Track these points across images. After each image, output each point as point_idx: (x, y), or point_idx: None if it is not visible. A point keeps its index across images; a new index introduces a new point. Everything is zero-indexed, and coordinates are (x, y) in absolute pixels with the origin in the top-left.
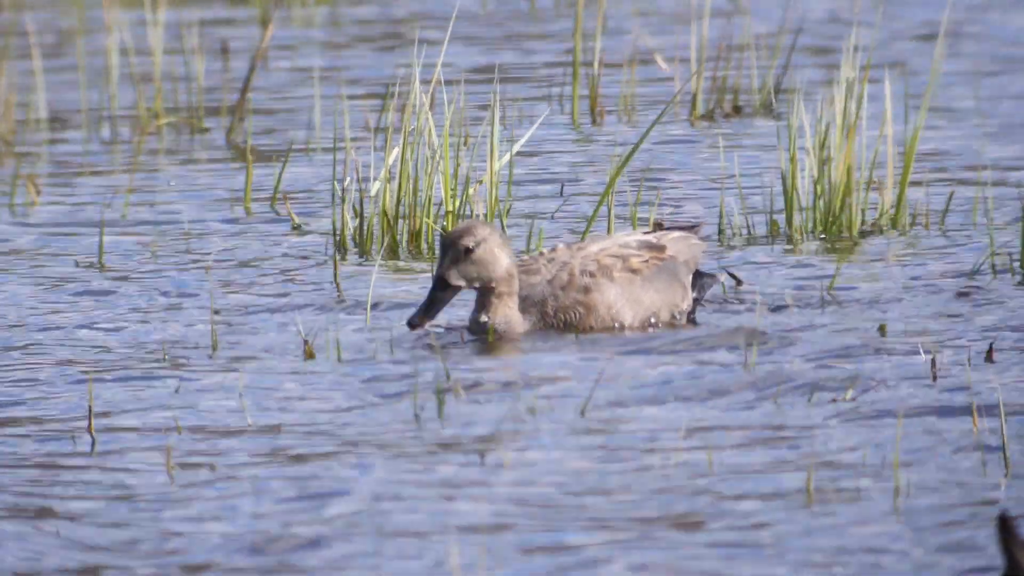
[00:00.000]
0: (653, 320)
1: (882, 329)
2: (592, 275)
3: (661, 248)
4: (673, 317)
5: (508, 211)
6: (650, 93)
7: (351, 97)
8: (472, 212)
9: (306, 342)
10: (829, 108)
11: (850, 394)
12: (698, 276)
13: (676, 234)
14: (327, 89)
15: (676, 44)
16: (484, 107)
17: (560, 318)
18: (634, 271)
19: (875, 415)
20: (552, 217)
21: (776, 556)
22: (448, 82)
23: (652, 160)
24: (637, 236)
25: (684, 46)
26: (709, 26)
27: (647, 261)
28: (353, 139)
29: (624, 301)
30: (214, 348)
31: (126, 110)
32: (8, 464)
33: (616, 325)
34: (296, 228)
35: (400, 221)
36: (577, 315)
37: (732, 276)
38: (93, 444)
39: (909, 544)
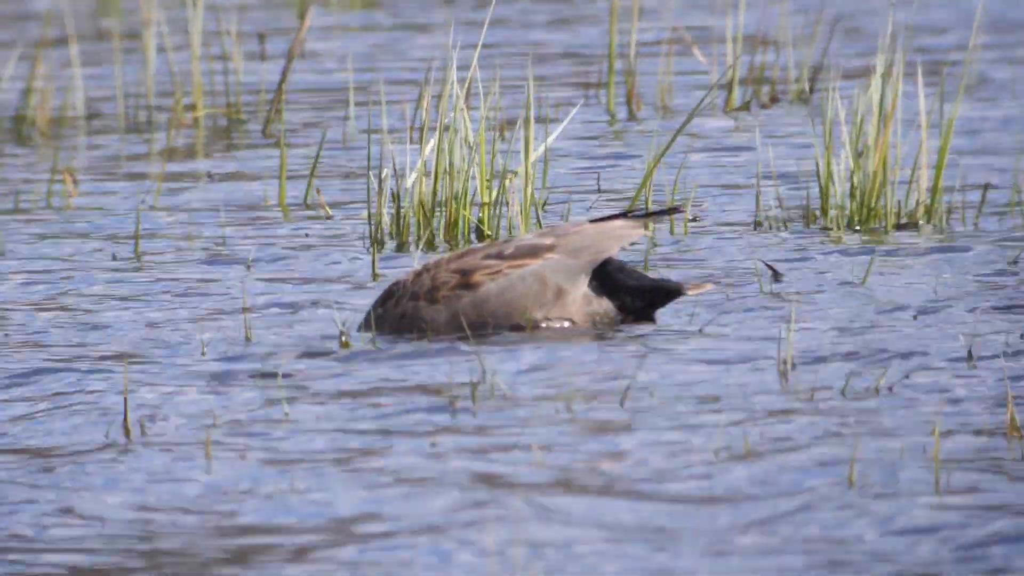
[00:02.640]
0: (504, 326)
1: (917, 318)
2: (416, 297)
3: (535, 251)
4: (537, 319)
5: (544, 204)
6: (686, 83)
7: (388, 83)
8: (508, 203)
9: (343, 333)
10: (865, 98)
11: (885, 382)
12: (622, 273)
13: (588, 226)
14: (364, 78)
15: (712, 34)
16: (519, 90)
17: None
18: (470, 285)
19: (912, 405)
20: (588, 209)
21: (814, 543)
22: (483, 66)
23: (688, 151)
24: (527, 238)
25: (721, 32)
26: (745, 15)
27: (494, 273)
28: (390, 130)
29: (439, 324)
30: (248, 340)
31: (163, 101)
32: (43, 455)
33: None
34: (330, 219)
35: (436, 212)
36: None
37: (771, 269)
38: (128, 435)
39: (949, 534)
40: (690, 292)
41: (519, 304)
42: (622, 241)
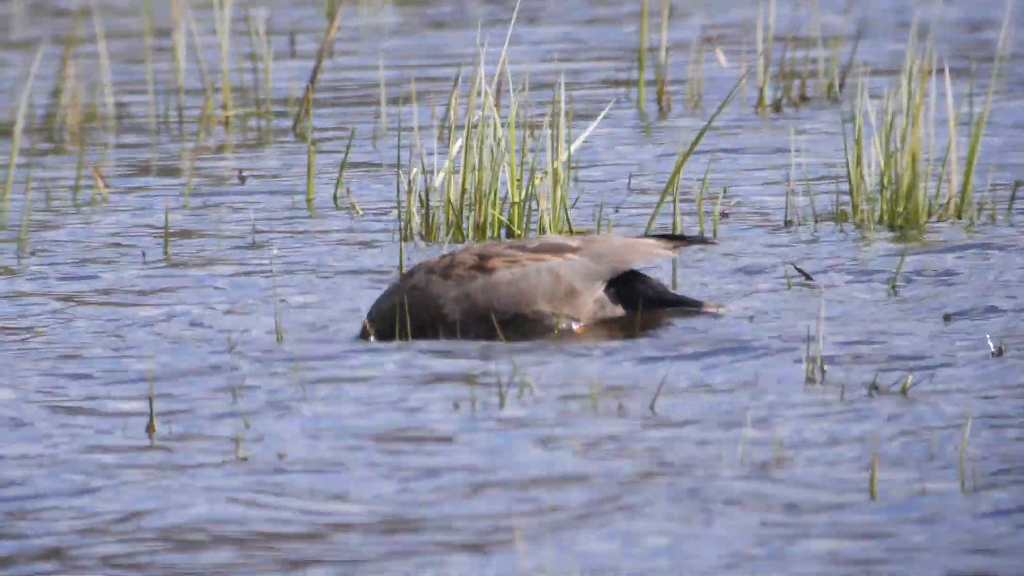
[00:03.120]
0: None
1: (947, 318)
2: (431, 271)
3: (558, 249)
4: (545, 313)
5: (576, 202)
6: (717, 81)
7: (419, 81)
8: (538, 203)
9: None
10: (895, 96)
11: (914, 381)
12: (644, 286)
13: (616, 238)
14: (394, 75)
15: (743, 32)
16: (549, 88)
17: (399, 312)
18: (485, 269)
19: (940, 405)
20: (618, 209)
21: (842, 542)
22: (513, 61)
23: (719, 150)
24: (556, 237)
25: (751, 28)
26: (776, 12)
27: (512, 262)
28: (420, 128)
29: (447, 299)
30: (279, 339)
31: (193, 100)
32: (70, 454)
33: (444, 320)
34: (360, 218)
35: (465, 211)
36: (416, 310)
37: (800, 272)
38: (152, 435)
39: (976, 534)
40: (708, 310)
41: (529, 295)
42: (647, 257)
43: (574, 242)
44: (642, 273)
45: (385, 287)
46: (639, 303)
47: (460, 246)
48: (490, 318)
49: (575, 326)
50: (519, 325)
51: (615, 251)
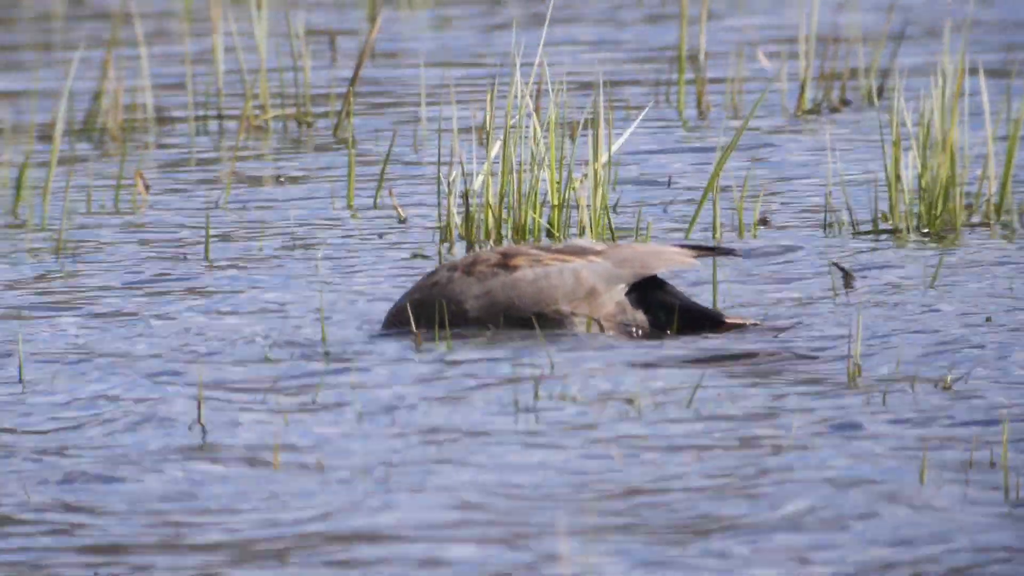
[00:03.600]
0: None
1: (988, 319)
2: (454, 268)
3: (582, 252)
4: (564, 312)
5: (616, 205)
6: (757, 84)
7: (460, 82)
8: (577, 205)
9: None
10: (931, 99)
11: (954, 384)
12: (663, 295)
13: (641, 244)
14: (435, 77)
15: (783, 35)
16: (588, 88)
17: (420, 308)
18: (508, 267)
19: (980, 406)
20: (665, 209)
21: (882, 542)
22: (552, 65)
23: (759, 154)
24: (582, 241)
25: (792, 33)
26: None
27: (537, 260)
28: (460, 130)
29: (468, 296)
30: (324, 340)
31: (233, 100)
32: (115, 458)
33: (463, 315)
34: (403, 221)
35: (505, 212)
36: (439, 306)
37: (842, 271)
38: (204, 434)
39: (1017, 536)
40: (728, 321)
41: (549, 294)
42: (671, 264)
43: (599, 246)
44: (666, 282)
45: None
46: (659, 311)
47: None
48: (510, 316)
49: (595, 327)
50: (539, 324)
51: (638, 256)
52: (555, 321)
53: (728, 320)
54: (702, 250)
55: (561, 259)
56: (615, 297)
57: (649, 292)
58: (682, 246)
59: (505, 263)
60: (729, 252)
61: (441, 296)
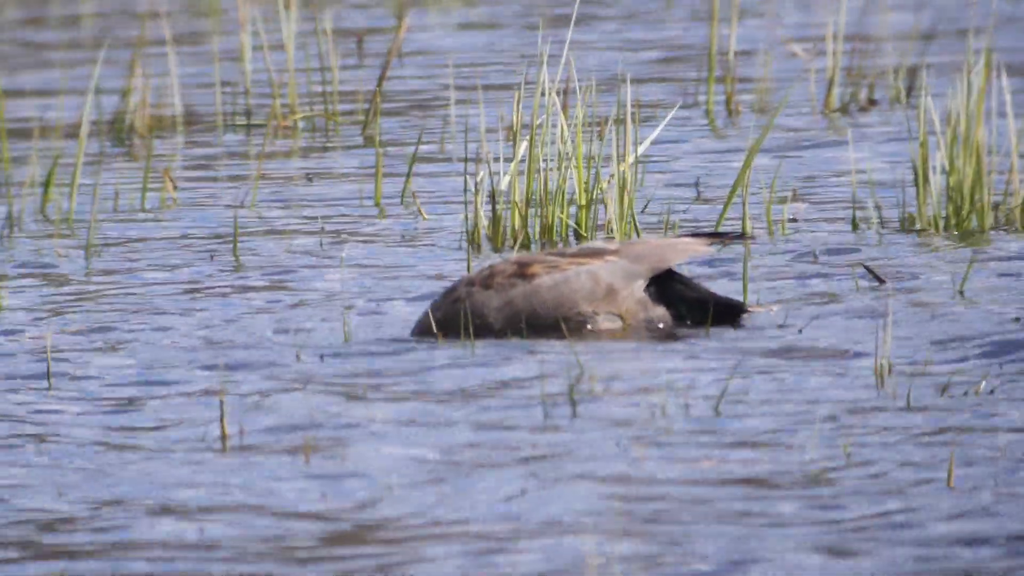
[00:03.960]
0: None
1: (1017, 320)
2: (472, 283)
3: (597, 253)
4: (586, 313)
5: (646, 207)
6: (786, 84)
7: (487, 82)
8: (605, 205)
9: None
10: (958, 98)
11: (984, 386)
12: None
13: (654, 239)
14: (463, 75)
15: (812, 34)
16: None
17: (443, 325)
18: (525, 276)
19: (1011, 408)
20: (687, 210)
21: (912, 545)
22: (579, 63)
23: (787, 153)
24: (595, 243)
25: (820, 32)
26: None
27: (554, 266)
28: (487, 130)
29: (490, 309)
30: (346, 339)
31: (261, 100)
32: (141, 455)
33: (488, 328)
34: (427, 220)
35: (532, 213)
36: (455, 322)
37: (872, 273)
38: (225, 437)
39: None
40: (751, 310)
41: (570, 298)
42: (686, 255)
43: (612, 245)
44: (684, 275)
45: (429, 303)
46: (680, 304)
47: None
48: (533, 324)
49: (618, 326)
50: (561, 328)
51: (653, 251)
52: (578, 323)
53: (749, 308)
54: (713, 237)
55: (577, 262)
56: (635, 294)
57: (668, 286)
58: (693, 235)
59: (522, 272)
60: (740, 236)
61: (464, 312)
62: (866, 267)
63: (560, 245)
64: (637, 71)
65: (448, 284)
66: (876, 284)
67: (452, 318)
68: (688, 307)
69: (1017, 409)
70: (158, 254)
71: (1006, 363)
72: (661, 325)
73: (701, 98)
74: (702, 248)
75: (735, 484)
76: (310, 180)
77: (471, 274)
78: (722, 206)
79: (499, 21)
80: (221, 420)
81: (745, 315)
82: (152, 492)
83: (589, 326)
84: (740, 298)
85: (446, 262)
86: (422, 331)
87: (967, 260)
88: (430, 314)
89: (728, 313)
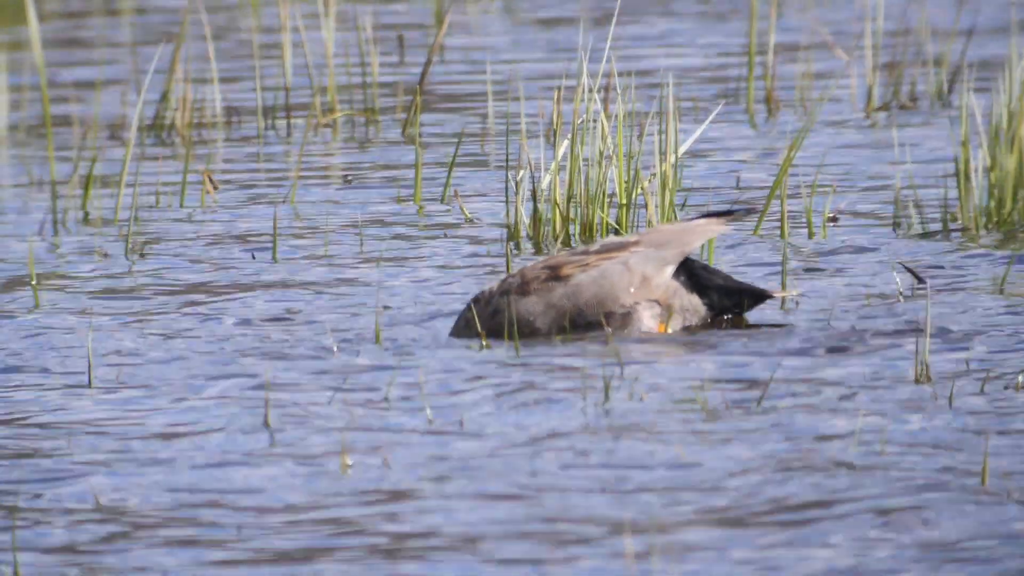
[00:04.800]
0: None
1: None
2: (507, 292)
3: (621, 246)
4: (626, 305)
5: (685, 205)
6: (826, 83)
7: (528, 79)
8: (646, 204)
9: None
10: (1000, 97)
11: (1022, 383)
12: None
13: (669, 225)
14: (503, 73)
15: (853, 33)
16: (657, 87)
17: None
18: (560, 277)
19: None
20: (728, 208)
21: (948, 541)
22: (621, 73)
23: (828, 152)
24: (614, 238)
25: (861, 31)
26: (885, 13)
27: (583, 265)
28: (528, 127)
29: (535, 315)
30: (377, 340)
31: (301, 102)
32: (182, 453)
33: (534, 334)
34: (469, 221)
35: (573, 212)
36: (492, 330)
37: (911, 272)
38: (272, 437)
39: None
40: (776, 295)
41: (611, 292)
42: (705, 236)
43: (632, 237)
44: (702, 262)
45: (458, 318)
46: (710, 292)
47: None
48: (577, 322)
49: (659, 313)
50: (603, 324)
51: (674, 236)
52: (623, 316)
53: (775, 294)
54: (726, 215)
55: (606, 257)
56: (667, 280)
57: (697, 276)
58: (706, 215)
59: (556, 275)
60: (750, 211)
61: (509, 321)
62: (905, 266)
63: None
64: (678, 69)
65: (475, 293)
66: (916, 283)
67: (495, 330)
68: (719, 295)
69: None
70: (198, 252)
71: None
72: (694, 315)
73: (742, 96)
74: (720, 227)
75: (768, 478)
76: (349, 182)
77: (498, 285)
78: (761, 203)
79: (540, 17)
80: (265, 420)
81: (770, 300)
82: (194, 487)
83: (633, 316)
84: (762, 286)
85: (487, 261)
86: (462, 331)
87: (1008, 258)
88: (469, 326)
89: (755, 299)
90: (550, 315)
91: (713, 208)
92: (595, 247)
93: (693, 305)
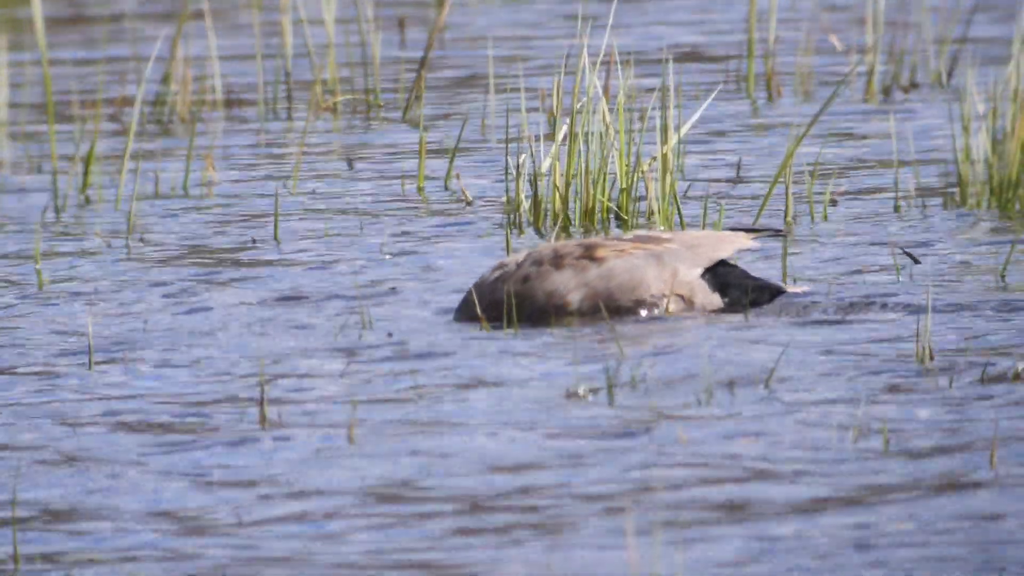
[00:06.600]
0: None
1: None
2: (539, 263)
3: (655, 240)
4: (655, 296)
5: (687, 191)
6: (827, 69)
7: (529, 64)
8: (646, 189)
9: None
10: (1001, 80)
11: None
12: (731, 274)
13: (701, 231)
14: (504, 58)
15: (853, 17)
16: (657, 71)
17: (492, 311)
18: (595, 259)
19: None
20: (728, 192)
21: (954, 529)
22: (623, 54)
23: (828, 136)
24: (647, 231)
25: (861, 15)
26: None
27: (620, 250)
28: (529, 111)
29: (568, 288)
30: (386, 322)
31: (302, 81)
32: (180, 436)
33: (565, 308)
34: (469, 205)
35: (571, 196)
36: (533, 300)
37: (909, 255)
38: (265, 420)
39: None
40: (790, 290)
41: (643, 281)
42: (735, 247)
43: (666, 234)
44: (728, 263)
45: (480, 278)
46: (731, 290)
47: (554, 242)
48: (608, 305)
49: (683, 308)
50: (630, 310)
51: (707, 241)
52: (651, 305)
53: (789, 289)
54: (752, 232)
55: (641, 247)
56: (694, 277)
57: (716, 274)
58: (732, 229)
59: (591, 255)
60: (777, 232)
61: (540, 291)
62: (903, 249)
63: (600, 233)
64: (679, 53)
65: (489, 266)
66: (913, 264)
67: (528, 296)
68: (739, 292)
69: None
70: (198, 236)
71: None
72: (714, 309)
73: (742, 81)
74: (748, 242)
75: (769, 467)
76: (351, 166)
77: (522, 259)
78: (762, 187)
79: (544, 4)
80: (261, 404)
81: (784, 295)
82: (190, 473)
83: (660, 307)
84: (777, 282)
85: (487, 245)
86: (465, 315)
87: (1009, 242)
88: (495, 290)
89: (770, 295)
90: (584, 292)
91: (740, 223)
92: (629, 236)
93: (714, 303)
